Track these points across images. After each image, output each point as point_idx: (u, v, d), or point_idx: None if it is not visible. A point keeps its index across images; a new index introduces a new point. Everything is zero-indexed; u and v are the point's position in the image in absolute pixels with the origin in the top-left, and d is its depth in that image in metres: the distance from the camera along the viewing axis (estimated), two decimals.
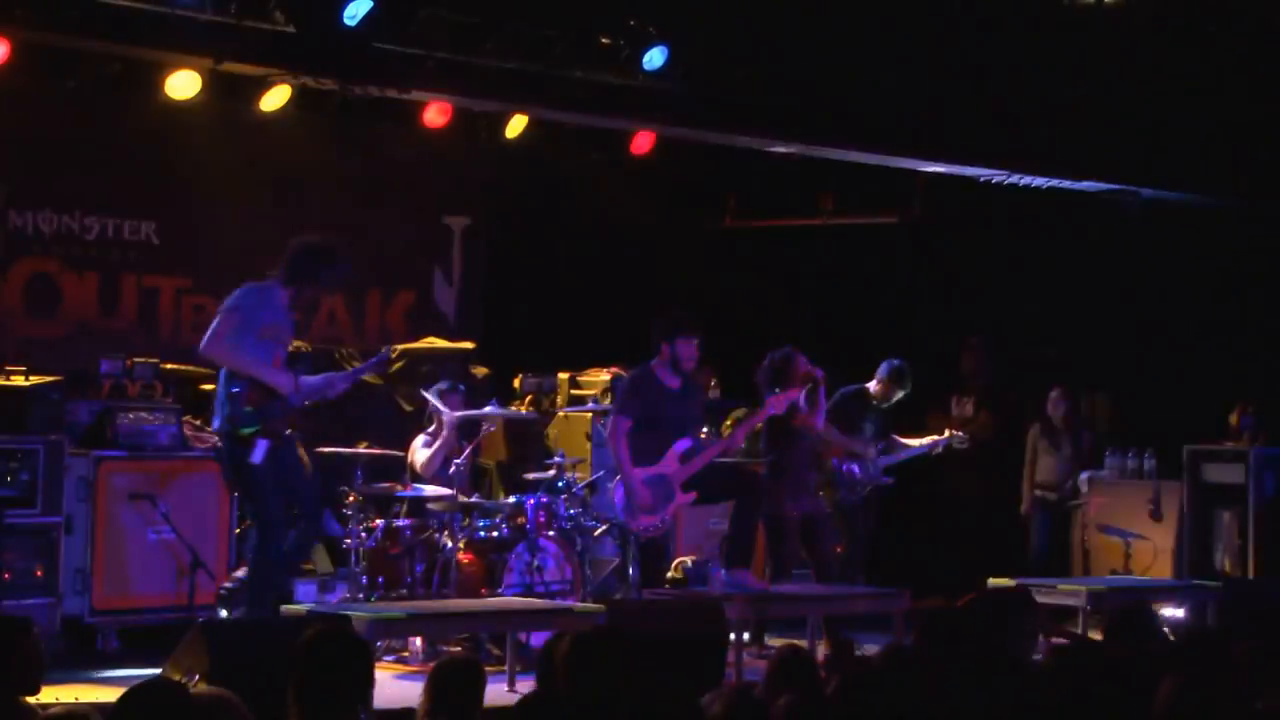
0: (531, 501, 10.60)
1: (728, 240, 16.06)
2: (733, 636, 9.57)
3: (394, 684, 9.22)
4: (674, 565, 10.85)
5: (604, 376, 13.06)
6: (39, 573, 9.98)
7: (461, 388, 11.62)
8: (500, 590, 10.21)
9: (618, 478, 10.45)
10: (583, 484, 11.19)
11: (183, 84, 11.48)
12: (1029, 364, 15.05)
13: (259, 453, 8.88)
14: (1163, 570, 12.90)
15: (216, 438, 9.24)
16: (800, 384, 10.90)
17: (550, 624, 8.91)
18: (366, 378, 12.99)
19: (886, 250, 15.15)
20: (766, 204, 15.90)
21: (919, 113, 12.77)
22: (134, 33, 10.45)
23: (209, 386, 10.95)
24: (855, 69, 14.13)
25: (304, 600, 10.96)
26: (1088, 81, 12.58)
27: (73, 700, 7.24)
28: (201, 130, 12.59)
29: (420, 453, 11.23)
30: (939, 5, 12.36)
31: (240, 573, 10.38)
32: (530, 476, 11.42)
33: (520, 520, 10.56)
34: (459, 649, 10.03)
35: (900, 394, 11.78)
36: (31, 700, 5.93)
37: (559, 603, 9.99)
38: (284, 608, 8.86)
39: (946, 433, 12.52)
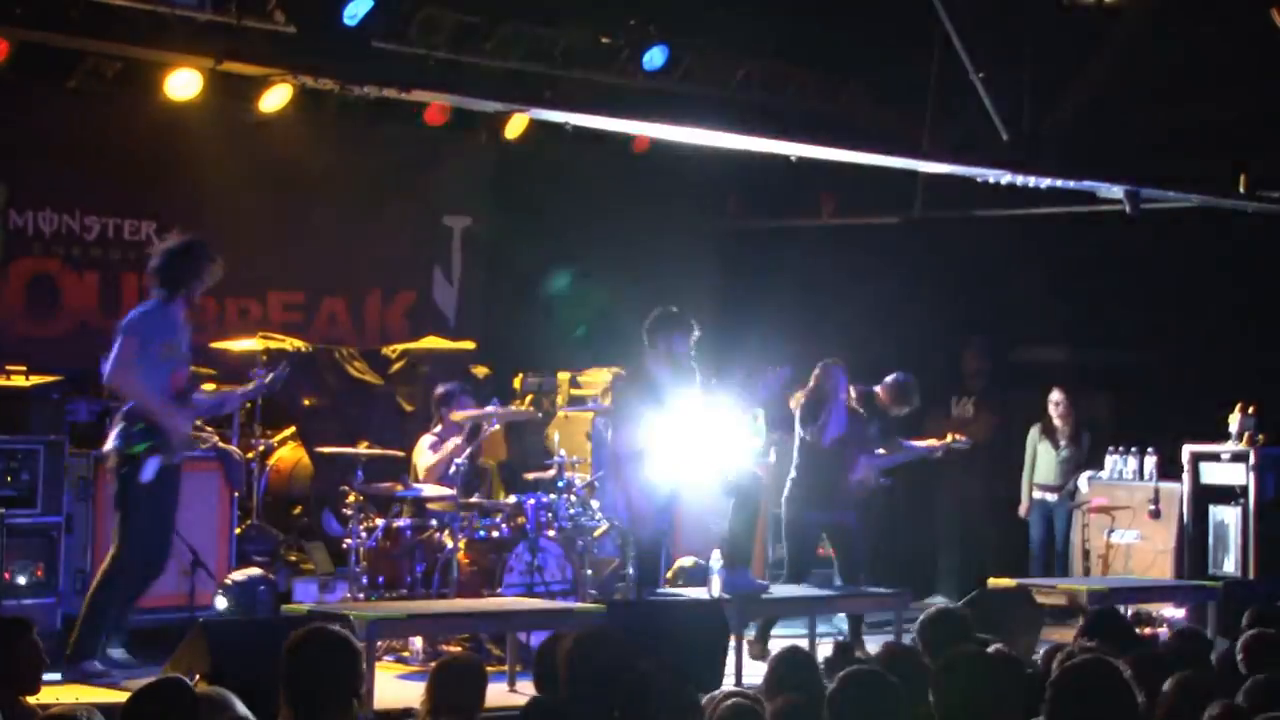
0: (532, 501, 10.60)
1: (728, 240, 16.06)
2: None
3: (394, 684, 9.22)
4: (674, 565, 10.86)
5: (604, 376, 13.06)
6: (39, 573, 9.98)
7: (468, 389, 11.64)
8: (500, 590, 10.20)
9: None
10: (583, 484, 11.19)
11: (183, 84, 11.48)
12: (1029, 364, 15.05)
13: (149, 470, 8.78)
14: (1163, 570, 12.90)
15: (111, 458, 8.99)
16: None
17: (550, 624, 8.90)
18: (366, 377, 13.06)
19: (886, 250, 15.15)
20: (766, 204, 15.90)
21: (919, 113, 12.76)
22: (134, 33, 10.44)
23: (210, 386, 10.96)
24: (856, 69, 14.16)
25: (304, 600, 10.98)
26: (1088, 81, 12.56)
27: (73, 700, 7.25)
28: (201, 130, 12.58)
29: (425, 454, 11.22)
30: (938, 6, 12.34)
31: (238, 574, 10.40)
32: (530, 476, 11.42)
33: (520, 520, 10.56)
34: (459, 649, 10.03)
35: (905, 409, 11.75)
36: (31, 700, 5.94)
37: (559, 603, 9.99)
38: (285, 607, 8.86)
39: (949, 437, 12.50)
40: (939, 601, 11.93)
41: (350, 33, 10.16)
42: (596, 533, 11.04)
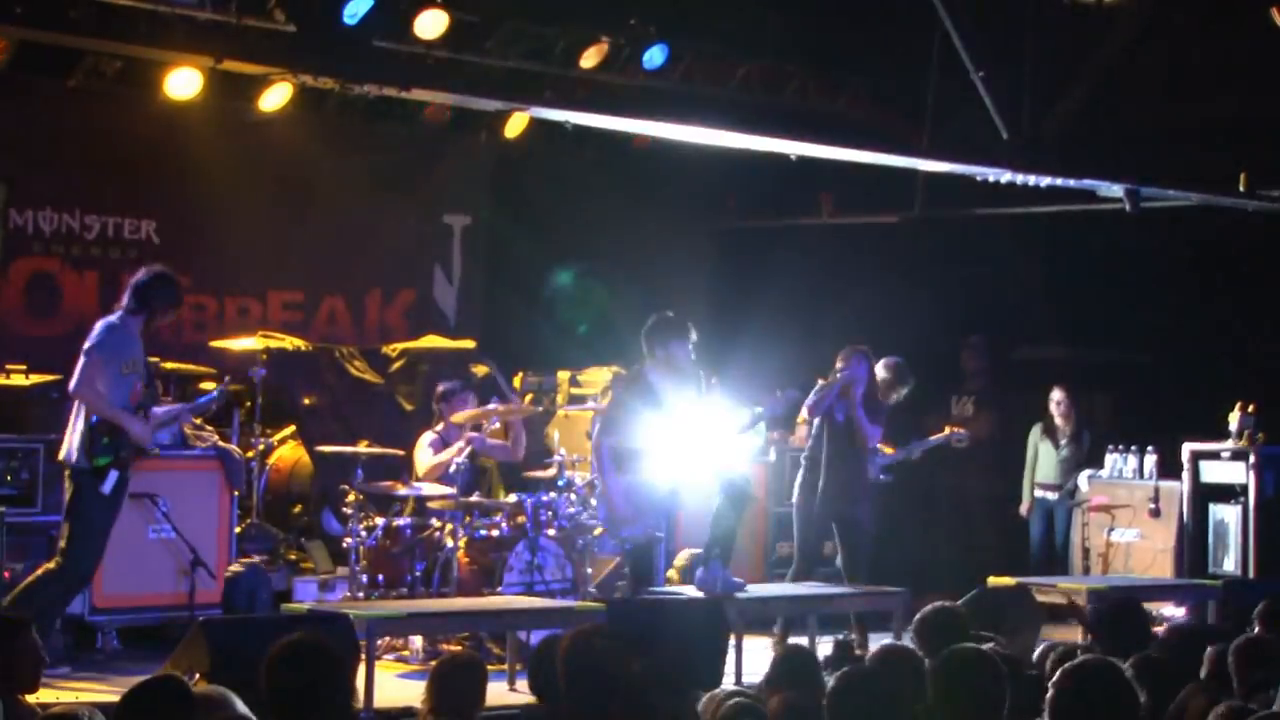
0: (532, 500, 10.60)
1: (728, 240, 16.05)
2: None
3: (394, 683, 9.23)
4: (674, 565, 10.85)
5: (604, 375, 13.06)
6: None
7: (471, 389, 11.65)
8: (500, 589, 10.20)
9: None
10: (583, 483, 11.19)
11: (183, 83, 11.47)
12: (1029, 364, 15.04)
13: (109, 483, 8.97)
14: (1163, 570, 12.89)
15: (67, 471, 9.11)
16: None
17: (550, 623, 8.90)
18: (366, 377, 13.05)
19: (886, 250, 15.14)
20: (766, 204, 15.90)
21: (919, 113, 12.76)
22: (134, 32, 10.44)
23: (209, 385, 10.97)
24: (856, 69, 14.16)
25: (304, 599, 10.98)
26: (1088, 81, 12.56)
27: (73, 700, 7.25)
28: (201, 130, 12.58)
29: (425, 452, 11.22)
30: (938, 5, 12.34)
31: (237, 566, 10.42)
32: (530, 475, 11.42)
33: (520, 519, 10.56)
34: (459, 648, 10.03)
35: (903, 391, 11.75)
36: (31, 699, 5.95)
37: (559, 602, 9.99)
38: (285, 606, 8.87)
39: (948, 430, 12.50)
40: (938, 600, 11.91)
41: (350, 32, 10.15)
42: (596, 532, 11.04)
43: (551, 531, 10.57)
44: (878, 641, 9.37)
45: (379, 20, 10.57)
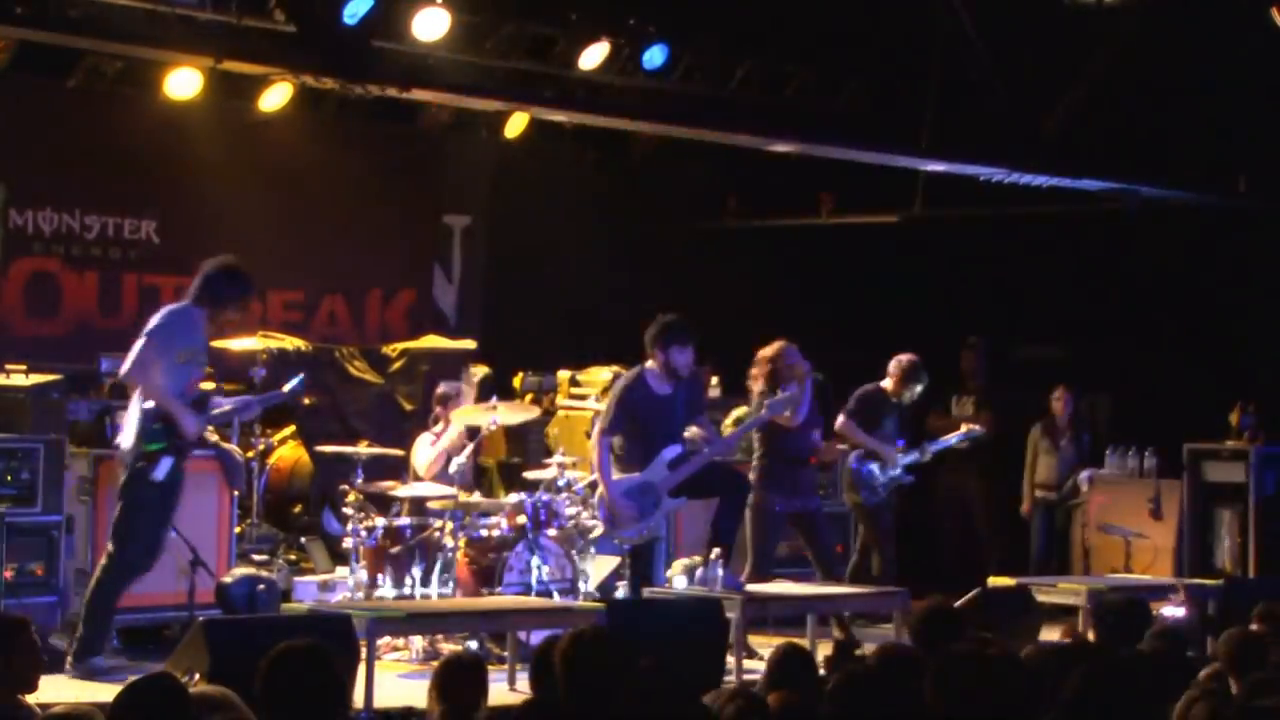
0: (531, 500, 10.60)
1: (728, 240, 16.06)
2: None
3: (394, 683, 9.22)
4: (673, 565, 10.83)
5: (604, 375, 13.06)
6: (39, 572, 9.98)
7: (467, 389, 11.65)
8: (500, 589, 10.20)
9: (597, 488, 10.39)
10: (583, 483, 11.18)
11: (183, 83, 11.48)
12: (1029, 364, 15.05)
13: (162, 469, 8.92)
14: (1163, 570, 12.89)
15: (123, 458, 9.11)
16: (800, 381, 10.85)
17: (550, 623, 8.90)
18: (366, 376, 13.05)
19: (886, 250, 15.15)
20: (766, 204, 15.90)
21: (919, 112, 12.78)
22: (134, 32, 10.45)
23: (208, 385, 10.95)
24: (856, 69, 14.16)
25: (304, 599, 10.97)
26: (1088, 81, 12.58)
27: (73, 700, 7.25)
28: (201, 130, 12.59)
29: (424, 451, 11.22)
30: (938, 5, 12.36)
31: (239, 569, 10.40)
32: (530, 475, 11.42)
33: (520, 519, 10.55)
34: (460, 647, 10.03)
35: (916, 389, 11.70)
36: (31, 699, 5.94)
37: (559, 602, 9.99)
38: (285, 606, 8.86)
39: (964, 428, 12.46)
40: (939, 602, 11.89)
41: (350, 32, 10.17)
42: (596, 532, 11.03)
43: (551, 531, 10.56)
44: (879, 642, 9.37)
45: (379, 20, 10.59)
